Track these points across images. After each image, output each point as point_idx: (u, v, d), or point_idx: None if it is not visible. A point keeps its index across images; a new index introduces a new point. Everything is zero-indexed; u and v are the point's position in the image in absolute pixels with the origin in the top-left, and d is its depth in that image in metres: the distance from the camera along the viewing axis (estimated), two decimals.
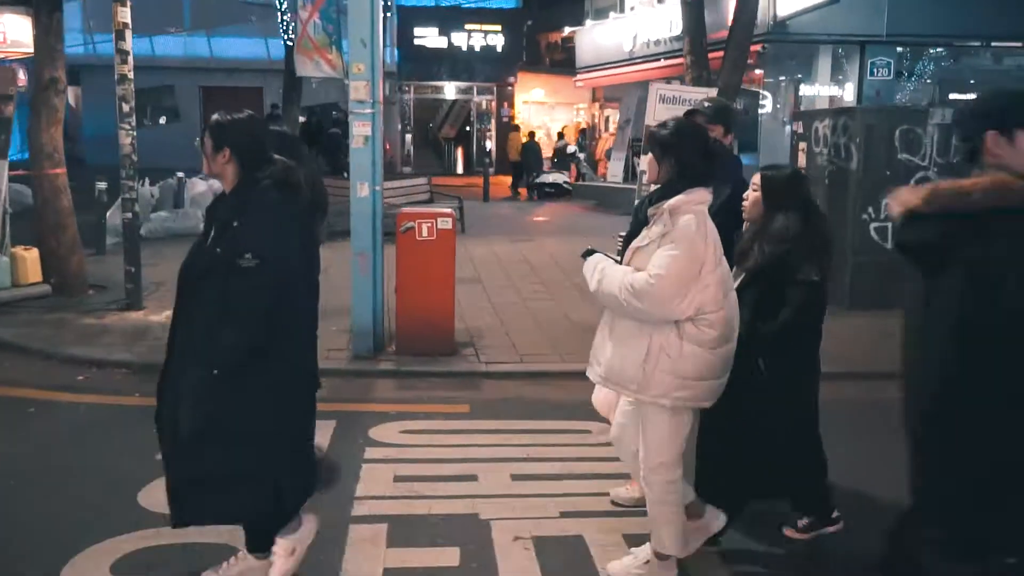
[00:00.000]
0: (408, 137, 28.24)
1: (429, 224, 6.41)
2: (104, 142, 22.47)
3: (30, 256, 7.94)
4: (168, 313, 7.43)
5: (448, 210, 6.84)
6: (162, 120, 26.18)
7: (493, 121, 28.17)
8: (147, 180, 12.46)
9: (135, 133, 7.49)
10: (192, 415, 2.88)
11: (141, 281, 7.67)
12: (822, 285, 3.40)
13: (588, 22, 22.39)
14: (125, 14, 7.33)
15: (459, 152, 29.08)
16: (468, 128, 28.85)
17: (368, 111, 6.25)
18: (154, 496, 4.02)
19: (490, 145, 28.08)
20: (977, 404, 2.04)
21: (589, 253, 3.35)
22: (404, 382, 6.14)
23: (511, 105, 28.04)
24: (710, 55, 9.75)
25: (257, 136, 3.04)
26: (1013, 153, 2.13)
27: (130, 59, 7.41)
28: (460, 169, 28.30)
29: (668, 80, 12.52)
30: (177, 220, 12.28)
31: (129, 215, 7.51)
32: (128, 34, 7.38)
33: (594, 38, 21.46)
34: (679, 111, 8.62)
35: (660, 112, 8.71)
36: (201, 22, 25.37)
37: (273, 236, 2.89)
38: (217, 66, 25.44)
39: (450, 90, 28.23)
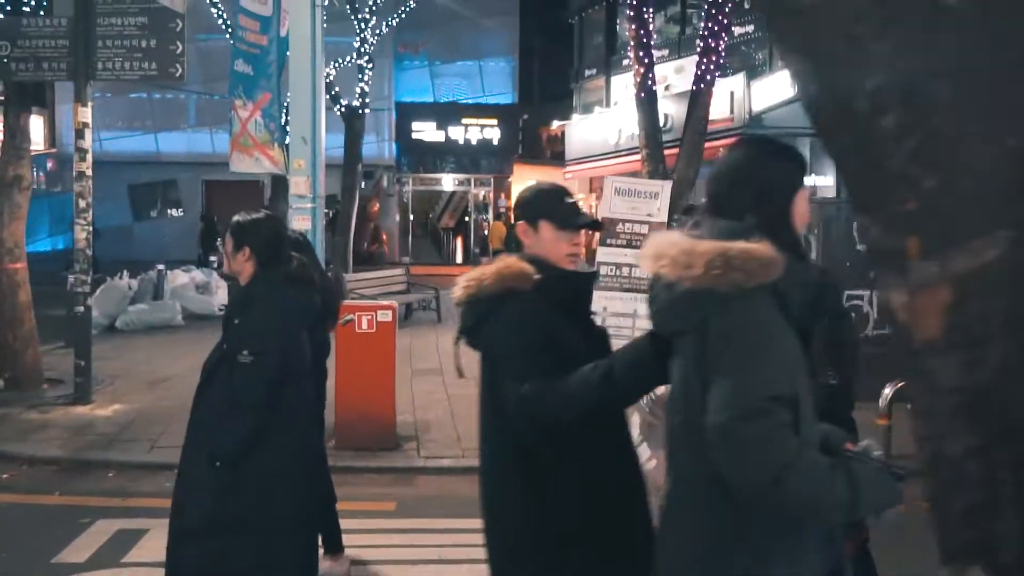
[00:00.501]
0: (409, 227, 28.65)
1: (369, 317, 6.39)
2: (112, 235, 22.97)
3: None
4: (115, 407, 7.52)
5: (390, 303, 6.83)
6: (178, 212, 26.68)
7: (491, 211, 28.55)
8: (125, 273, 12.59)
9: (90, 228, 7.61)
10: (196, 506, 2.97)
11: (91, 375, 7.65)
12: (841, 387, 3.21)
13: (575, 116, 22.91)
14: (85, 114, 7.53)
15: (458, 242, 29.40)
16: (467, 218, 29.25)
17: (308, 206, 6.33)
18: None
19: (487, 234, 28.41)
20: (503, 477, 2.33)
21: None
22: (338, 478, 5.91)
23: (508, 196, 28.47)
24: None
25: (275, 236, 3.15)
26: (537, 241, 2.36)
27: (89, 157, 7.58)
28: (460, 259, 28.56)
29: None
30: (154, 312, 12.34)
31: (81, 308, 7.55)
32: (88, 133, 7.57)
33: (581, 132, 21.92)
34: (634, 203, 8.71)
35: (616, 204, 8.79)
36: (205, 120, 26.13)
37: (270, 332, 2.96)
38: (219, 160, 25.99)
39: (448, 182, 28.74)
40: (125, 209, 26.12)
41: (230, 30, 11.77)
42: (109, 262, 17.62)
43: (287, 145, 6.86)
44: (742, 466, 1.61)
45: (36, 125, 11.89)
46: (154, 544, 4.60)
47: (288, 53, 6.73)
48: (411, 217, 28.69)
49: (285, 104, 6.80)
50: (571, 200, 2.44)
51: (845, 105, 0.71)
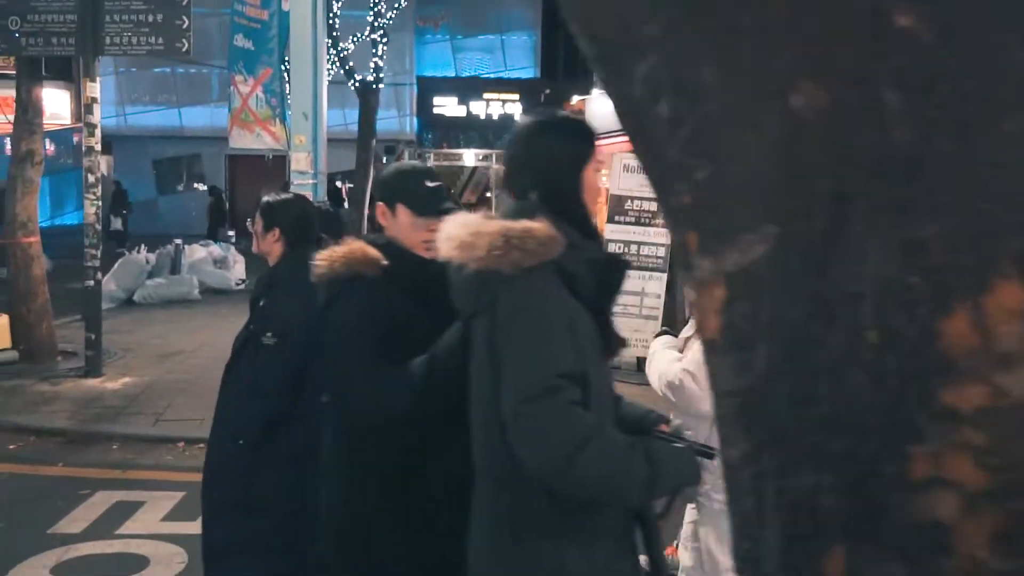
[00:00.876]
0: None
1: None
2: (137, 209, 23.14)
3: None
4: (125, 380, 7.63)
5: None
6: (202, 187, 26.84)
7: None
8: (143, 247, 12.73)
9: (99, 203, 7.68)
10: (220, 483, 3.01)
11: (101, 348, 7.75)
12: None
13: (594, 91, 22.67)
14: (94, 89, 7.58)
15: None
16: (488, 194, 29.19)
17: (310, 182, 6.34)
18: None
19: None
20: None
21: (663, 334, 3.22)
22: None
23: None
24: None
25: (304, 216, 3.13)
26: (395, 224, 2.29)
27: (97, 132, 7.64)
28: None
29: None
30: (171, 286, 12.47)
31: (91, 282, 7.64)
32: (96, 108, 7.62)
33: (601, 107, 21.72)
34: (644, 180, 8.65)
35: (624, 180, 8.72)
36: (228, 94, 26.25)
37: (295, 314, 2.93)
38: None
39: (469, 157, 28.65)
40: (150, 184, 26.37)
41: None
42: (133, 236, 17.80)
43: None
44: (534, 447, 1.58)
45: (63, 100, 12.02)
46: (149, 516, 4.69)
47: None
48: None
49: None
50: (433, 184, 2.34)
51: (625, 92, 0.68)
